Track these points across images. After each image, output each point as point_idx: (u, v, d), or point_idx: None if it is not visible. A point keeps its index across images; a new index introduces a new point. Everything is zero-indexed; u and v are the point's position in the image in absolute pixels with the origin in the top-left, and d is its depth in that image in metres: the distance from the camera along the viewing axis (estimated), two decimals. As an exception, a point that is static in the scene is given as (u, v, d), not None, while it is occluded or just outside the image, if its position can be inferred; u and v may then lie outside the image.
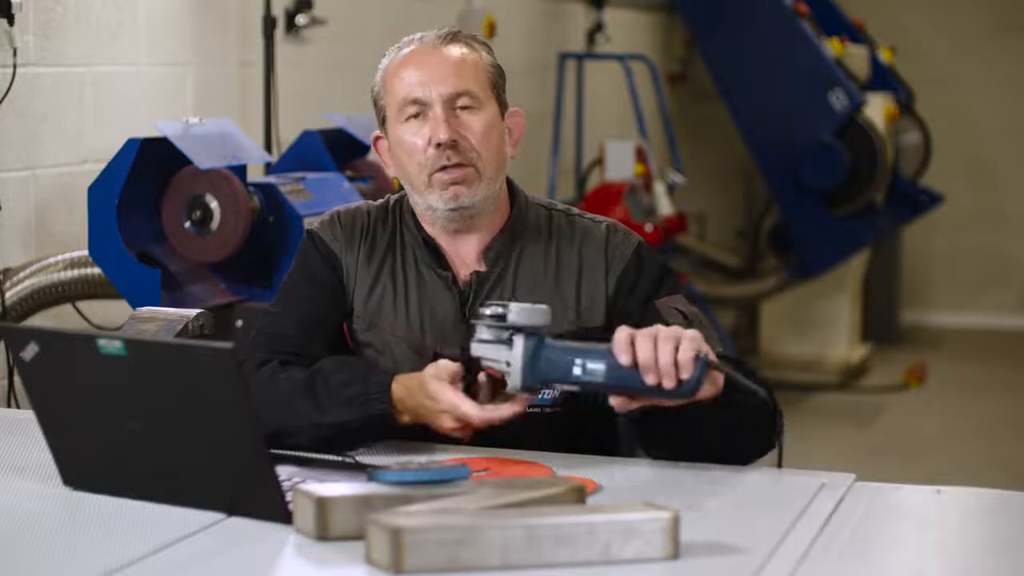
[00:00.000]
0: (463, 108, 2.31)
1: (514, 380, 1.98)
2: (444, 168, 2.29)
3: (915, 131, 7.98)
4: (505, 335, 2.01)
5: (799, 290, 7.58)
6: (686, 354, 2.01)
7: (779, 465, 2.19)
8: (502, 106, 2.37)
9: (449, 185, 2.29)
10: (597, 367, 1.99)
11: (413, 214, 2.38)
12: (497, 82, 2.37)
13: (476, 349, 2.04)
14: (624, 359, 2.00)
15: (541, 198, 2.46)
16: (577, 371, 1.99)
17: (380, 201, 2.45)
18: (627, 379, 2.00)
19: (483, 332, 2.04)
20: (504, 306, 2.03)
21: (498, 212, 2.36)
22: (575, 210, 2.44)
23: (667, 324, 2.30)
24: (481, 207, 2.33)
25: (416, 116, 2.31)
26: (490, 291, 2.33)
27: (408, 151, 2.31)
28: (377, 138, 2.42)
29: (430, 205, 2.31)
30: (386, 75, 2.35)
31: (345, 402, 2.20)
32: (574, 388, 2.02)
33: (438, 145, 2.28)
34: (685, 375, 2.00)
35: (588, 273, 2.35)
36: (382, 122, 2.38)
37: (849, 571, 1.76)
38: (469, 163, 2.30)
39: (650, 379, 1.99)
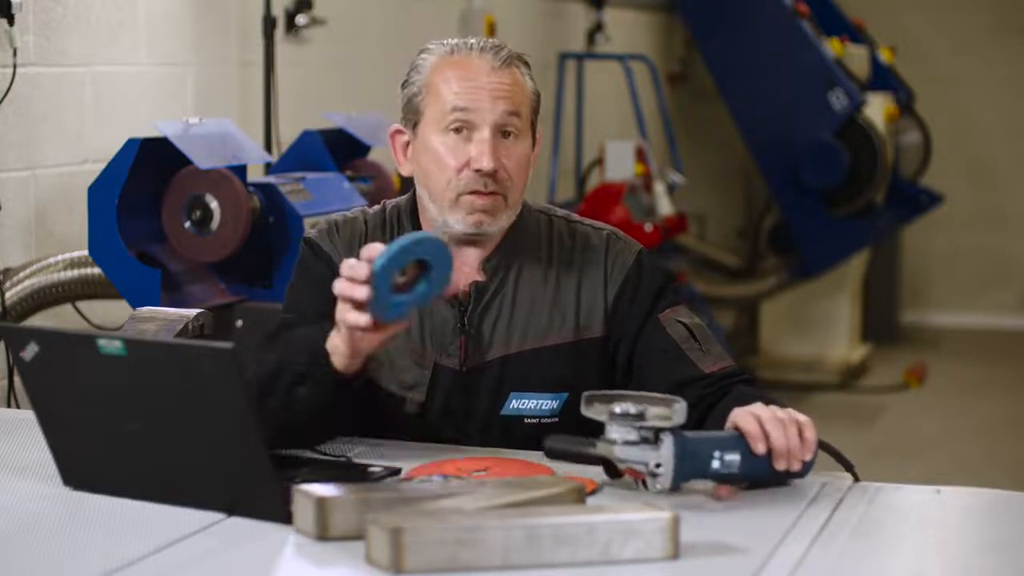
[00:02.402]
0: (506, 135, 2.27)
1: (664, 481, 1.92)
2: (476, 192, 2.25)
3: (915, 131, 7.99)
4: (648, 435, 1.93)
5: (799, 290, 7.58)
6: (811, 436, 2.01)
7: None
8: (534, 133, 2.35)
9: (476, 211, 2.25)
10: (733, 459, 1.96)
11: (413, 221, 2.35)
12: (536, 109, 2.34)
13: (620, 452, 1.94)
14: (761, 448, 1.98)
15: (542, 204, 2.44)
16: (716, 464, 1.96)
17: (376, 208, 2.41)
18: (758, 467, 1.99)
19: (624, 432, 1.94)
20: (639, 403, 1.94)
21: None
22: (576, 216, 2.42)
23: (670, 337, 2.31)
24: (495, 232, 2.31)
25: (458, 131, 2.26)
26: (489, 301, 2.32)
27: (440, 164, 2.26)
28: (397, 131, 2.35)
29: (447, 221, 2.27)
30: (432, 76, 2.28)
31: (290, 348, 2.19)
32: (706, 481, 1.99)
33: (477, 170, 2.24)
34: (809, 456, 2.01)
35: (587, 283, 2.34)
36: (414, 123, 2.31)
37: (849, 571, 1.76)
38: (501, 192, 2.27)
39: (781, 464, 1.99)
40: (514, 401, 2.29)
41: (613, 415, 1.93)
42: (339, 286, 2.00)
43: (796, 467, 2.00)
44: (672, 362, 2.29)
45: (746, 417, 2.00)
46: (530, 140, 2.33)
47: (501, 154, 2.26)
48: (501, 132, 2.27)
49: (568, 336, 2.31)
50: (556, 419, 2.29)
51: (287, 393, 2.15)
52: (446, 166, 2.26)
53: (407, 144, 2.34)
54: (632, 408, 1.92)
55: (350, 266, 1.99)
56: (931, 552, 1.88)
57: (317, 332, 2.15)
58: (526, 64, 2.35)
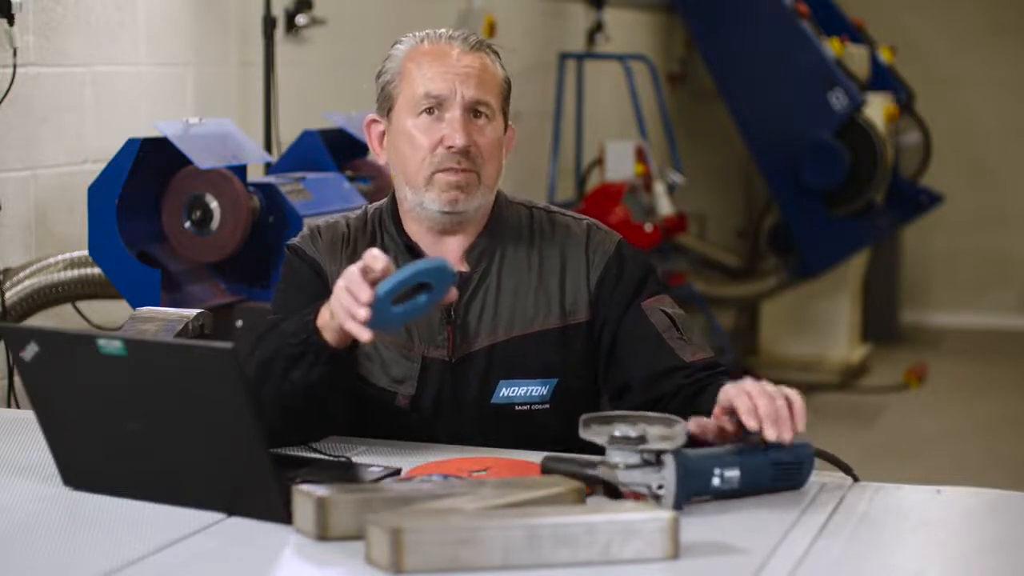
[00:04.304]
0: (477, 116, 2.30)
1: (667, 502, 1.91)
2: (449, 169, 2.28)
3: (915, 131, 7.98)
4: (650, 457, 1.92)
5: (799, 290, 7.58)
6: (799, 405, 2.01)
7: None
8: (505, 121, 2.37)
9: (450, 188, 2.28)
10: (733, 475, 1.97)
11: (394, 220, 2.38)
12: (508, 97, 2.37)
13: (623, 476, 1.92)
14: (752, 422, 1.98)
15: (522, 197, 2.47)
16: (716, 481, 1.96)
17: (358, 211, 2.44)
18: (757, 480, 1.99)
19: (626, 456, 1.92)
20: (637, 425, 1.93)
21: (482, 214, 2.37)
22: (555, 208, 2.45)
23: (652, 325, 2.32)
24: (473, 214, 2.33)
25: (430, 112, 2.30)
26: (474, 291, 2.33)
27: (414, 146, 2.30)
28: (372, 121, 2.39)
29: (423, 203, 2.31)
30: (405, 63, 2.33)
31: (280, 334, 2.21)
32: (707, 498, 1.98)
33: (449, 147, 2.27)
34: (801, 427, 2.01)
35: (571, 271, 2.36)
36: (388, 109, 2.35)
37: (849, 571, 1.76)
38: (475, 169, 2.29)
39: (771, 433, 1.98)
40: (504, 389, 2.31)
41: (613, 439, 1.92)
42: (342, 298, 2.03)
43: (787, 437, 1.99)
44: (654, 350, 2.31)
45: (739, 396, 2.01)
46: (502, 125, 2.36)
47: (473, 132, 2.29)
48: (472, 112, 2.30)
49: (554, 322, 2.33)
50: (547, 405, 2.31)
51: (282, 379, 2.17)
52: (419, 146, 2.30)
53: (383, 134, 2.38)
54: (632, 432, 1.91)
55: (352, 280, 2.01)
56: (931, 552, 1.88)
57: (304, 314, 2.18)
58: (496, 53, 2.38)
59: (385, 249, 2.36)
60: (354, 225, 2.41)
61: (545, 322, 2.33)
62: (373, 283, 2.01)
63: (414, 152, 2.30)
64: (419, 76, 2.31)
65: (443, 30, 2.37)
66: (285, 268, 2.41)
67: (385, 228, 2.39)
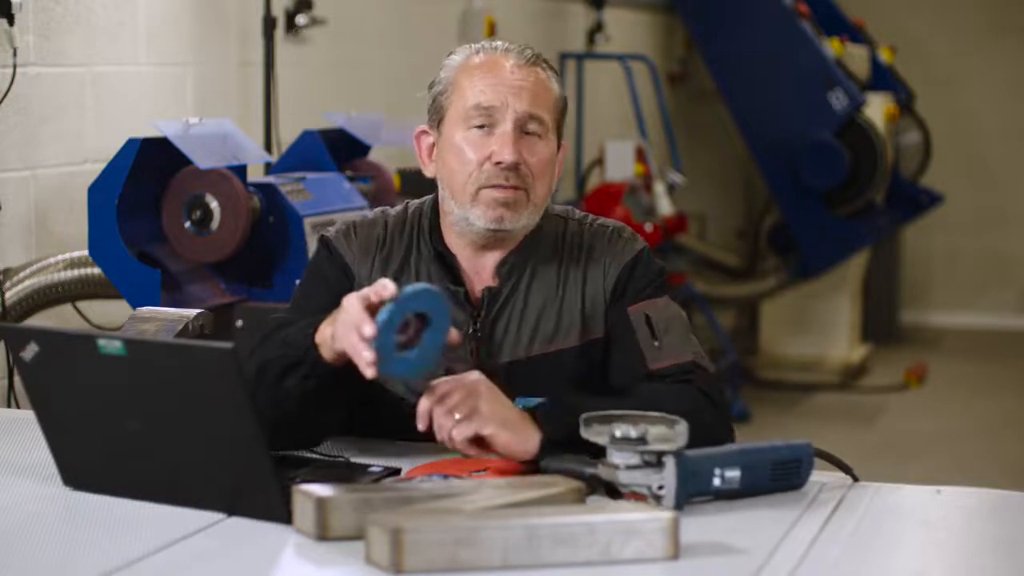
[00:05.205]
0: (529, 133, 2.27)
1: (667, 503, 1.91)
2: (497, 186, 2.26)
3: (915, 131, 7.99)
4: (650, 458, 1.92)
5: (799, 290, 7.58)
6: (458, 436, 2.06)
7: None
8: (559, 139, 2.34)
9: (497, 206, 2.25)
10: (734, 475, 1.97)
11: (433, 225, 2.36)
12: (563, 115, 2.34)
13: (623, 477, 1.92)
14: (422, 426, 2.06)
15: (561, 208, 2.43)
16: (717, 481, 1.96)
17: (399, 208, 2.41)
18: (758, 481, 1.99)
19: (626, 457, 1.92)
20: (638, 426, 1.92)
21: (525, 231, 2.34)
22: (591, 217, 2.41)
23: (631, 330, 2.29)
24: (517, 232, 2.31)
25: (481, 127, 2.27)
26: (501, 307, 2.31)
27: (462, 160, 2.27)
28: (422, 132, 2.36)
29: (468, 218, 2.28)
30: (457, 74, 2.30)
31: (281, 341, 2.20)
32: (708, 498, 1.98)
33: (498, 163, 2.24)
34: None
35: (591, 284, 2.34)
36: (438, 121, 2.32)
37: (849, 571, 1.76)
38: (524, 187, 2.26)
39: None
40: (520, 405, 2.29)
41: (614, 439, 1.92)
42: (348, 335, 2.02)
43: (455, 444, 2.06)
44: (625, 356, 2.29)
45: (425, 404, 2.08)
46: (555, 143, 2.32)
47: (523, 150, 2.26)
48: (524, 130, 2.27)
49: (574, 340, 2.31)
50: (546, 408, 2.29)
51: (276, 385, 2.16)
52: (467, 160, 2.26)
53: (432, 145, 2.35)
54: (633, 432, 1.91)
55: (353, 312, 2.01)
56: (931, 552, 1.88)
57: (306, 326, 2.17)
58: (552, 69, 2.34)
59: (420, 256, 2.34)
60: (392, 225, 2.37)
61: (565, 340, 2.31)
62: (375, 313, 2.00)
63: (462, 166, 2.27)
64: (470, 88, 2.27)
65: (499, 42, 2.33)
66: (314, 258, 2.39)
67: (422, 234, 2.35)
